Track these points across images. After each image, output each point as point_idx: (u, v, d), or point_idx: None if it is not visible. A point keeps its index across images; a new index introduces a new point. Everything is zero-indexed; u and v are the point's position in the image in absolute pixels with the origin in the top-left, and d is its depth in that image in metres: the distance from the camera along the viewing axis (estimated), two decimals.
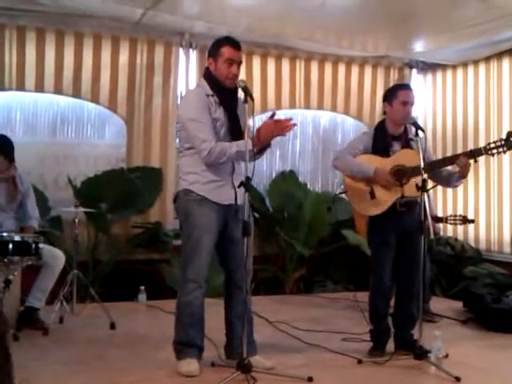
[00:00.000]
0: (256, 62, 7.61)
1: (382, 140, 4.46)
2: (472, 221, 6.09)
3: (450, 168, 4.49)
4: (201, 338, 3.98)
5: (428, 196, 4.72)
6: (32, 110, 6.87)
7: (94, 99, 6.97)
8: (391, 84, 7.55)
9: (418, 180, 4.18)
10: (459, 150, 5.50)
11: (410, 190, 4.29)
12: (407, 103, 4.40)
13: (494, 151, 4.27)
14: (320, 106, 8.01)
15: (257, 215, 7.26)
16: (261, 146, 3.91)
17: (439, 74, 8.19)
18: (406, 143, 4.46)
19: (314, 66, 7.93)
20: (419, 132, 4.22)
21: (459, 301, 6.17)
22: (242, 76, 4.08)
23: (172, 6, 6.31)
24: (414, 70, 8.34)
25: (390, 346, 4.42)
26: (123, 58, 7.04)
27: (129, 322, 5.36)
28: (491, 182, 7.38)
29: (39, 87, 6.71)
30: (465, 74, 7.81)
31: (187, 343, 3.93)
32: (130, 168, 6.95)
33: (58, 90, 6.81)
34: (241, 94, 3.88)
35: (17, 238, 4.36)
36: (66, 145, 6.97)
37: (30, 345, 4.51)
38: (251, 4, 6.25)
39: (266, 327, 5.16)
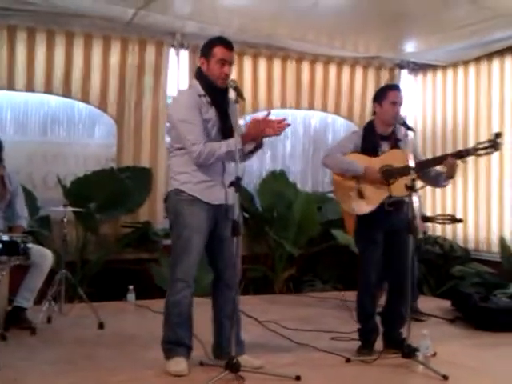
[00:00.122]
0: (247, 62, 7.61)
1: (371, 140, 4.49)
2: (460, 220, 6.12)
3: (438, 168, 4.51)
4: (189, 338, 3.99)
5: (418, 196, 4.74)
6: (22, 109, 6.85)
7: (85, 99, 6.96)
8: (382, 84, 7.56)
9: (405, 180, 4.20)
10: (449, 151, 5.50)
11: (398, 189, 4.31)
12: (396, 103, 4.43)
13: (482, 152, 4.29)
14: (311, 106, 8.02)
15: (246, 215, 7.27)
16: (252, 145, 3.91)
17: (430, 75, 8.21)
18: (395, 143, 4.49)
19: (306, 67, 7.93)
20: (409, 132, 4.25)
21: (447, 300, 6.19)
22: (234, 76, 4.09)
23: (163, 5, 6.31)
24: (405, 71, 8.36)
25: (379, 344, 4.44)
26: (114, 57, 7.03)
27: (117, 322, 5.35)
28: (480, 182, 7.41)
29: (29, 87, 6.70)
30: (455, 75, 7.84)
31: (176, 342, 3.93)
32: (120, 168, 6.94)
33: (49, 90, 6.79)
34: (232, 94, 3.89)
35: (5, 237, 4.36)
36: (56, 144, 6.96)
37: (17, 345, 4.49)
38: (243, 4, 6.25)
39: (255, 327, 5.16)
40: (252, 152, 4.00)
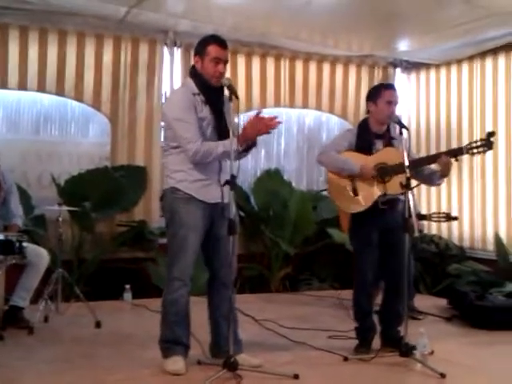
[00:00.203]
0: (241, 60, 7.60)
1: (366, 138, 4.49)
2: (455, 218, 6.14)
3: (432, 166, 4.52)
4: (187, 336, 3.98)
5: (412, 194, 4.76)
6: (15, 107, 6.81)
7: (78, 97, 6.93)
8: (375, 83, 7.58)
9: (400, 178, 4.21)
10: (443, 149, 5.53)
11: (392, 187, 4.32)
12: (392, 102, 4.44)
13: (475, 151, 4.32)
14: (305, 105, 8.01)
15: (242, 214, 7.26)
16: (247, 144, 3.91)
17: (423, 74, 8.23)
18: (389, 142, 4.50)
19: (299, 65, 7.93)
20: (403, 130, 4.26)
21: (444, 298, 6.22)
22: (227, 75, 4.08)
23: (156, 4, 6.29)
24: (398, 69, 8.37)
25: (376, 343, 4.44)
26: (107, 56, 7.00)
27: (114, 321, 5.34)
28: (474, 181, 7.43)
29: (22, 85, 6.66)
30: (448, 74, 7.85)
31: (173, 341, 3.93)
32: (115, 166, 6.91)
33: (42, 88, 6.76)
34: (226, 93, 3.89)
35: (0, 236, 4.34)
36: (49, 143, 6.92)
37: (14, 344, 4.48)
38: (237, 3, 6.23)
39: (252, 325, 5.16)
40: (246, 150, 4.00)
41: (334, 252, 7.24)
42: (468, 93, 7.58)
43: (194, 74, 4.01)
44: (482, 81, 7.42)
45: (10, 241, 4.37)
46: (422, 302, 6.08)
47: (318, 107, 8.08)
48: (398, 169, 4.25)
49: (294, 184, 7.76)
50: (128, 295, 6.22)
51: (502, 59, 7.21)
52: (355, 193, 4.46)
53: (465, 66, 7.63)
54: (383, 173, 4.38)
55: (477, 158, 6.70)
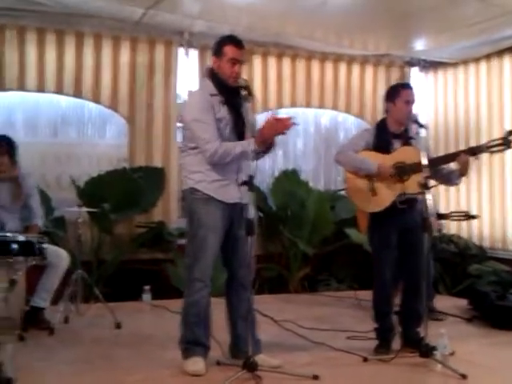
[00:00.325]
0: (257, 60, 7.60)
1: (384, 138, 4.47)
2: (475, 217, 6.10)
3: (450, 166, 4.49)
4: (207, 337, 3.99)
5: (431, 193, 4.72)
6: (33, 110, 6.86)
7: (95, 99, 6.97)
8: (392, 82, 7.52)
9: (418, 177, 4.18)
10: (461, 148, 5.49)
11: (410, 187, 4.30)
12: (410, 102, 4.41)
13: (495, 149, 4.29)
14: (321, 105, 8.00)
15: (260, 214, 7.26)
16: (265, 145, 3.91)
17: (440, 72, 8.18)
18: (407, 141, 4.47)
19: (315, 65, 7.92)
20: (421, 129, 4.24)
21: (464, 299, 6.17)
22: (243, 75, 4.08)
23: (173, 5, 6.31)
24: (416, 69, 8.33)
25: (396, 343, 4.42)
26: (124, 57, 7.03)
27: (134, 322, 5.36)
28: (494, 179, 7.38)
29: (40, 87, 6.71)
30: (466, 72, 7.81)
31: (193, 342, 3.94)
32: (133, 168, 6.94)
33: (59, 90, 6.80)
34: (244, 93, 3.88)
35: (21, 238, 4.37)
36: (67, 145, 6.97)
37: (35, 345, 4.51)
38: (252, 2, 6.24)
39: (271, 326, 5.16)
40: (265, 152, 4.00)
41: (352, 252, 7.22)
42: (486, 91, 7.53)
43: (211, 74, 4.02)
44: (500, 79, 7.37)
45: (31, 242, 4.39)
46: (442, 302, 6.04)
47: (335, 107, 8.06)
48: (416, 168, 4.22)
49: (311, 184, 7.75)
50: (147, 296, 6.24)
51: None
52: (373, 192, 4.44)
53: (483, 65, 7.58)
54: (401, 172, 4.35)
55: (496, 157, 6.64)
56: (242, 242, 3.82)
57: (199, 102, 3.95)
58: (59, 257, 5.06)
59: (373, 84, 8.15)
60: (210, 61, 4.07)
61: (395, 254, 4.43)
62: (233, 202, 3.91)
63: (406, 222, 4.38)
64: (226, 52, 3.92)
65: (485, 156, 4.89)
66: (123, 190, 6.49)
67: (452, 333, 4.39)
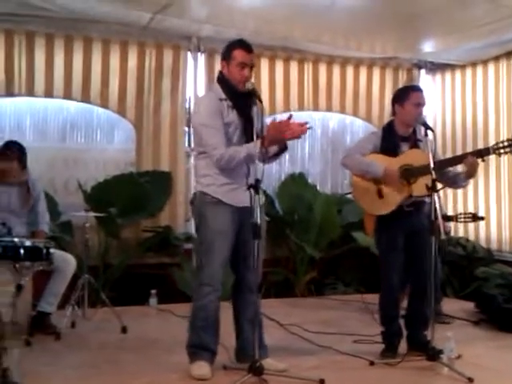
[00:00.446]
0: (264, 64, 7.60)
1: (391, 140, 4.47)
2: (482, 218, 6.08)
3: (457, 168, 4.48)
4: (214, 343, 3.98)
5: (438, 196, 4.71)
6: (42, 115, 6.90)
7: (103, 104, 6.99)
8: (400, 85, 7.55)
9: (425, 179, 4.17)
10: (468, 150, 5.47)
11: (418, 189, 4.29)
12: (420, 105, 4.41)
13: (502, 151, 4.26)
14: (329, 108, 7.99)
15: (267, 218, 7.24)
16: (275, 148, 3.91)
17: (448, 75, 8.16)
18: (415, 144, 4.46)
19: (323, 68, 7.91)
20: (428, 132, 4.22)
21: (471, 302, 6.15)
22: (251, 78, 4.09)
23: (180, 9, 6.32)
24: (423, 71, 8.31)
25: (403, 347, 4.41)
26: (132, 62, 7.05)
27: (140, 326, 5.37)
28: (502, 182, 7.34)
29: (49, 93, 6.74)
30: (474, 74, 7.78)
31: (200, 346, 3.94)
32: (140, 172, 6.95)
33: (68, 96, 6.83)
34: (252, 97, 3.89)
35: (28, 243, 4.38)
36: (75, 150, 6.99)
37: (41, 349, 4.52)
38: (259, 7, 6.24)
39: (277, 330, 5.16)
40: (277, 155, 4.02)
41: (359, 256, 7.21)
42: (494, 93, 7.49)
43: (220, 79, 4.04)
44: (508, 81, 7.32)
45: (38, 247, 4.39)
46: (450, 305, 6.03)
47: (342, 110, 8.05)
48: (424, 170, 4.21)
49: (318, 187, 7.75)
50: (154, 300, 6.25)
51: None
52: (380, 195, 4.43)
53: (491, 67, 7.54)
54: (408, 174, 4.34)
55: (504, 159, 6.61)
56: (249, 245, 3.80)
57: (207, 107, 3.97)
58: (66, 261, 5.08)
59: (380, 87, 8.13)
60: (218, 65, 4.08)
61: (402, 257, 4.42)
62: (242, 206, 3.90)
63: (413, 224, 4.37)
64: (235, 56, 3.94)
65: (492, 158, 4.87)
66: (130, 194, 6.50)
67: (459, 336, 4.39)
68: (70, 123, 7.00)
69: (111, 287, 6.35)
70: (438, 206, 4.09)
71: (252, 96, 3.88)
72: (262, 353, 3.87)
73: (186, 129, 7.24)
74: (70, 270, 5.11)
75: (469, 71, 7.85)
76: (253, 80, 4.05)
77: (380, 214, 4.45)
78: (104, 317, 5.41)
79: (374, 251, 5.06)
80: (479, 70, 7.70)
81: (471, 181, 4.57)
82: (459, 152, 7.27)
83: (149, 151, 7.12)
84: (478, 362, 4.28)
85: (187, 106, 7.26)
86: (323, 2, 5.96)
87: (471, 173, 4.33)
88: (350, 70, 8.03)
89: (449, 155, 6.39)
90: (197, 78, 7.34)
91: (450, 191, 7.64)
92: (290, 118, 3.85)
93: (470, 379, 3.83)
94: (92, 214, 5.57)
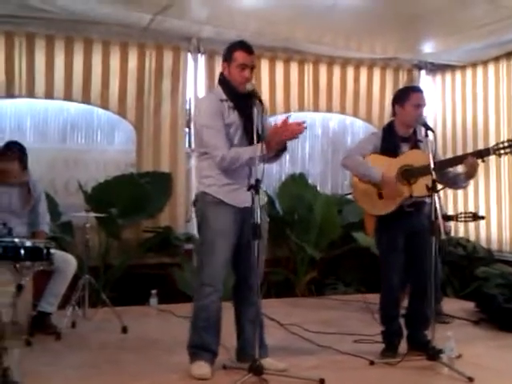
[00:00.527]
0: (264, 65, 7.60)
1: (391, 141, 4.47)
2: (482, 217, 6.08)
3: (457, 169, 4.48)
4: (215, 343, 3.99)
5: (438, 196, 4.71)
6: (42, 116, 6.90)
7: (104, 105, 6.99)
8: (400, 86, 7.55)
9: (426, 180, 4.18)
10: (469, 151, 5.47)
11: (418, 190, 4.30)
12: (420, 106, 4.41)
13: (502, 152, 4.27)
14: (329, 109, 7.99)
15: (267, 218, 7.25)
16: (276, 150, 3.93)
17: (448, 75, 8.16)
18: (415, 144, 4.47)
19: (323, 69, 7.91)
20: (429, 132, 4.23)
21: (471, 301, 6.15)
22: (252, 80, 4.10)
23: (180, 11, 6.32)
24: (423, 72, 8.31)
25: (403, 347, 4.41)
26: (132, 63, 7.05)
27: (141, 326, 5.37)
28: (502, 182, 7.34)
29: (49, 94, 6.74)
30: (474, 75, 7.78)
31: (201, 347, 3.94)
32: (140, 173, 6.95)
33: (68, 97, 6.83)
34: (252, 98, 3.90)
35: (28, 243, 4.39)
36: (76, 151, 7.00)
37: (42, 350, 4.53)
38: (260, 8, 6.24)
39: (277, 330, 5.17)
40: (277, 155, 4.03)
41: (359, 256, 7.21)
42: (494, 94, 7.49)
43: (222, 80, 4.05)
44: (508, 81, 7.33)
45: (38, 247, 4.40)
46: (450, 305, 6.03)
47: (343, 111, 8.05)
48: (424, 171, 4.22)
49: (318, 188, 7.75)
50: (154, 301, 6.26)
51: None
52: (380, 195, 4.44)
53: (491, 67, 7.55)
54: (409, 175, 4.35)
55: (504, 159, 6.61)
56: (251, 246, 3.79)
57: (208, 108, 3.98)
58: (67, 262, 5.08)
59: (380, 88, 8.14)
60: (218, 66, 4.10)
61: (402, 258, 4.43)
62: (243, 207, 3.90)
63: (413, 225, 4.38)
64: (236, 57, 3.95)
65: (492, 158, 4.87)
66: (130, 195, 6.50)
67: (459, 336, 4.40)
68: (70, 124, 7.00)
69: (112, 287, 6.35)
70: (438, 206, 4.10)
71: (252, 97, 3.89)
72: (263, 352, 3.88)
73: (187, 130, 7.25)
74: (70, 271, 5.11)
75: (469, 72, 7.85)
76: (253, 81, 4.06)
77: (380, 214, 4.46)
78: (104, 317, 5.41)
79: (375, 251, 5.06)
80: (479, 70, 7.70)
81: (471, 181, 4.57)
82: (460, 152, 7.27)
83: (149, 152, 7.12)
84: (478, 361, 4.28)
85: (187, 107, 7.26)
86: (325, 3, 5.96)
87: (471, 173, 4.33)
88: (350, 71, 8.03)
89: (449, 156, 6.38)
90: (197, 79, 7.33)
91: (450, 191, 7.64)
92: (287, 118, 3.86)
93: (471, 379, 3.84)
94: (92, 214, 5.58)
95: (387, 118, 5.77)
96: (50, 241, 4.65)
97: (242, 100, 3.95)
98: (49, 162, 6.81)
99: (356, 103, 8.06)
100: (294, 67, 7.78)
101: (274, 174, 7.67)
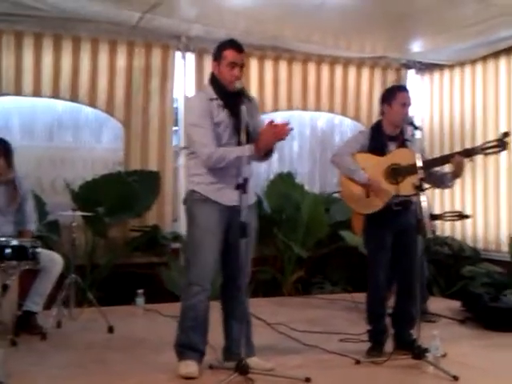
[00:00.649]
0: (253, 63, 7.60)
1: (379, 140, 4.49)
2: (468, 216, 6.12)
3: (444, 168, 4.50)
4: (202, 343, 3.98)
5: (425, 195, 4.74)
6: (30, 114, 6.86)
7: (92, 103, 6.97)
8: (389, 85, 7.54)
9: (413, 179, 4.19)
10: (456, 150, 5.49)
11: (405, 188, 4.31)
12: (405, 105, 4.43)
13: (489, 151, 4.30)
14: (317, 108, 8.01)
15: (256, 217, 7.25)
16: (265, 152, 3.93)
17: (436, 74, 8.19)
18: (402, 144, 4.48)
19: (312, 68, 7.92)
20: (416, 131, 4.25)
21: (457, 300, 6.17)
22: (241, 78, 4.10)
23: (169, 9, 6.32)
24: (412, 71, 8.34)
25: (389, 346, 4.42)
26: (121, 61, 7.03)
27: (127, 326, 5.35)
28: (488, 182, 7.37)
29: (37, 92, 6.71)
30: (462, 74, 7.81)
31: (188, 346, 3.94)
32: (128, 171, 6.93)
33: (56, 94, 6.80)
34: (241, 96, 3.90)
35: (14, 242, 4.38)
36: (63, 149, 6.97)
37: (27, 349, 4.50)
38: (249, 6, 6.25)
39: (264, 329, 5.16)
40: (265, 157, 4.03)
41: (346, 255, 7.23)
42: (482, 93, 7.53)
43: (212, 79, 4.05)
44: (495, 81, 7.36)
45: (24, 246, 4.40)
46: (436, 304, 6.04)
47: (331, 110, 8.06)
48: (411, 169, 4.23)
49: (306, 187, 7.72)
50: (141, 300, 6.21)
51: None
52: (367, 194, 4.45)
53: (478, 67, 7.58)
54: (396, 173, 4.37)
55: (491, 159, 6.65)
56: (238, 245, 3.79)
57: (197, 107, 3.98)
58: (53, 261, 5.04)
59: (369, 86, 8.15)
60: (207, 65, 4.09)
61: (389, 256, 4.44)
62: (231, 205, 3.89)
63: (400, 223, 4.40)
64: (226, 56, 3.95)
65: (479, 158, 4.89)
66: (118, 193, 6.47)
67: (444, 334, 4.41)
68: (57, 122, 6.97)
69: (98, 287, 6.33)
70: (424, 205, 4.11)
71: (241, 95, 3.88)
72: (249, 351, 3.88)
73: (175, 128, 7.24)
74: (56, 270, 5.07)
75: (457, 71, 7.88)
76: (242, 79, 4.06)
77: (368, 212, 4.47)
78: (90, 316, 5.38)
79: (362, 250, 5.08)
80: (467, 69, 7.74)
81: (457, 181, 4.59)
82: (447, 151, 7.27)
83: (137, 150, 7.11)
84: (464, 360, 4.30)
85: (176, 106, 7.25)
86: (313, 2, 5.97)
87: (458, 172, 4.36)
88: (338, 70, 8.04)
89: (436, 155, 6.40)
90: (186, 78, 7.31)
91: (437, 191, 7.67)
92: (271, 121, 3.86)
93: (456, 377, 3.85)
94: (79, 213, 5.53)
95: (375, 117, 5.79)
96: (36, 240, 4.64)
97: (232, 98, 3.94)
98: (36, 160, 6.78)
99: (344, 102, 8.07)
100: (283, 66, 7.79)
101: (262, 172, 7.66)
